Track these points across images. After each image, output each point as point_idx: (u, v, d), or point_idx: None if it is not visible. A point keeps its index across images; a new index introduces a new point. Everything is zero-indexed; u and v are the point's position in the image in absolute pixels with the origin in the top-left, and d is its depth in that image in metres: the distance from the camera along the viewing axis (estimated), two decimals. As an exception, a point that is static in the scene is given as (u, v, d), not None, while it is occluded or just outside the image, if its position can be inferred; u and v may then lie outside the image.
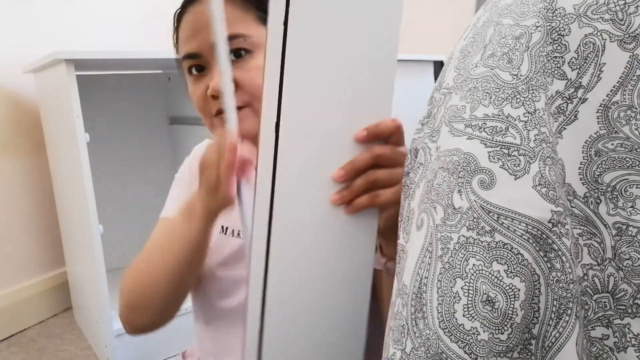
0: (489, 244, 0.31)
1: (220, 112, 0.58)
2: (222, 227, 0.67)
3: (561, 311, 0.31)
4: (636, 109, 0.31)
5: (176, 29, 0.62)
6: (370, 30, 0.42)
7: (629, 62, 0.30)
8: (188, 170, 0.72)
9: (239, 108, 0.58)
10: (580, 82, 0.32)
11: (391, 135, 0.45)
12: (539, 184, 0.31)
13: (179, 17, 0.61)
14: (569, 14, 0.32)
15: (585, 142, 0.32)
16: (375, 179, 0.45)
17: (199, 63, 0.59)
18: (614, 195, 0.31)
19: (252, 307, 0.45)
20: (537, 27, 0.33)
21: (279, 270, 0.44)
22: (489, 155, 0.32)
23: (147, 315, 0.58)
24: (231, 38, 0.56)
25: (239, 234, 0.66)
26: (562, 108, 0.32)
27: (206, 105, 0.59)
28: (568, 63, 0.32)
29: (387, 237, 0.49)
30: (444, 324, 0.31)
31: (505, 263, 0.30)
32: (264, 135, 0.42)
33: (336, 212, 0.45)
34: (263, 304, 0.44)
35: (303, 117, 0.42)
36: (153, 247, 0.60)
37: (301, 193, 0.44)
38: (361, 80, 0.43)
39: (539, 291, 0.31)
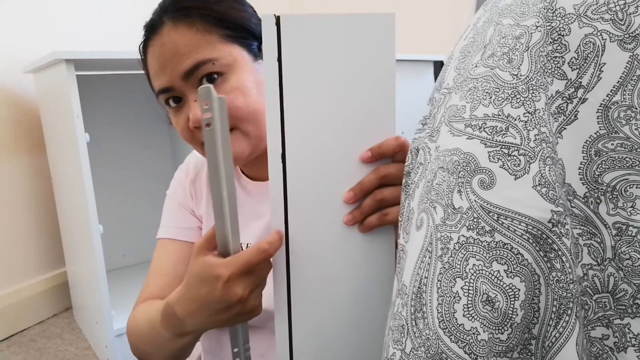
0: (489, 244, 0.31)
1: None
2: None
3: (561, 311, 0.31)
4: (636, 109, 0.31)
5: (144, 63, 0.61)
6: (365, 50, 0.44)
7: (629, 62, 0.30)
8: (181, 189, 0.70)
9: None
10: (580, 82, 0.32)
11: (396, 153, 0.46)
12: (539, 184, 0.31)
13: (143, 52, 0.60)
14: (569, 14, 0.32)
15: (585, 142, 0.32)
16: (382, 197, 0.46)
17: (174, 95, 0.58)
18: (614, 195, 0.31)
19: (279, 329, 0.47)
20: (537, 27, 0.33)
21: (301, 294, 0.46)
22: (489, 155, 0.32)
23: None
24: (199, 65, 0.54)
25: (240, 247, 0.66)
26: (562, 108, 0.32)
27: (192, 135, 0.58)
28: (568, 63, 0.32)
29: None
30: (444, 324, 0.31)
31: (505, 263, 0.30)
32: (272, 167, 0.44)
33: (352, 232, 0.47)
34: (290, 326, 0.46)
35: (307, 144, 0.44)
36: (141, 335, 0.57)
37: (315, 217, 0.46)
38: (361, 102, 0.45)
39: (539, 291, 0.30)
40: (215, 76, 0.55)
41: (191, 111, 0.56)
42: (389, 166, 0.46)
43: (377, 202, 0.46)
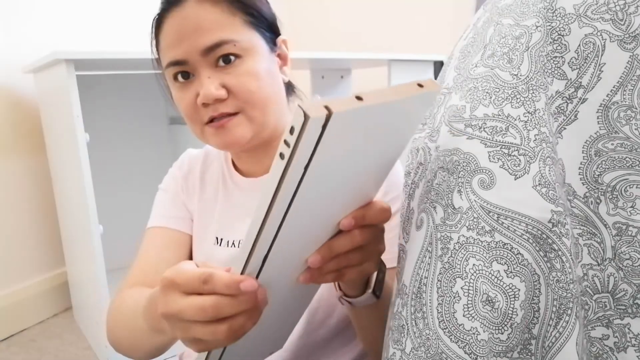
0: (489, 244, 0.31)
1: (212, 120, 0.57)
2: (217, 238, 0.66)
3: (561, 311, 0.31)
4: (636, 108, 0.31)
5: (156, 34, 0.60)
6: (392, 132, 0.35)
7: (629, 62, 0.30)
8: (173, 182, 0.71)
9: (232, 114, 0.57)
10: (580, 82, 0.32)
11: (379, 222, 0.40)
12: (539, 184, 0.31)
13: (158, 22, 0.59)
14: (569, 14, 0.32)
15: (585, 142, 0.32)
16: (348, 264, 0.40)
17: (185, 70, 0.57)
18: (614, 195, 0.31)
19: None
20: (537, 27, 0.33)
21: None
22: (489, 155, 0.32)
23: (131, 358, 0.59)
24: (221, 44, 0.55)
25: (233, 244, 0.65)
26: (562, 108, 0.32)
27: (196, 112, 0.58)
28: (568, 63, 0.32)
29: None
30: (444, 324, 0.31)
31: (505, 263, 0.30)
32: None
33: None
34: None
35: (298, 217, 0.34)
36: (121, 323, 0.56)
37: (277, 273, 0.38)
38: (363, 176, 0.36)
39: (539, 291, 0.30)
40: (233, 58, 0.56)
41: (203, 87, 0.56)
42: (366, 232, 0.39)
43: (340, 266, 0.41)
